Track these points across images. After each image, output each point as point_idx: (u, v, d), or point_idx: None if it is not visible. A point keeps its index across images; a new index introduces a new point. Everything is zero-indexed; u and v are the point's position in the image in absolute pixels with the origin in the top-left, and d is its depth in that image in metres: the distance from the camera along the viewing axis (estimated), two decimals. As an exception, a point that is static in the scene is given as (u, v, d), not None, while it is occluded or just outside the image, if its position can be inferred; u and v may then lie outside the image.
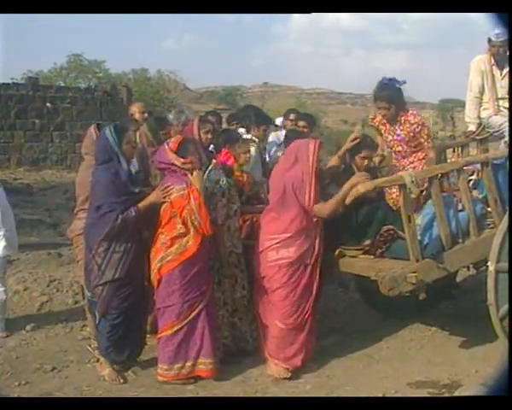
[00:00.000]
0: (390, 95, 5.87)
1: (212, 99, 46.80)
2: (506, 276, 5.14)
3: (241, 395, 5.06)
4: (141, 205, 5.27)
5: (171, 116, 6.75)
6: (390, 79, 6.00)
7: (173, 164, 5.29)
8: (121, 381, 5.36)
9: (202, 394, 5.09)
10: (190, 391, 5.15)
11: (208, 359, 5.28)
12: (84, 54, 29.70)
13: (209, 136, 6.10)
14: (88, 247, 5.34)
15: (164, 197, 5.27)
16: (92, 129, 5.89)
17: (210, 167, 5.59)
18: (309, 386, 5.26)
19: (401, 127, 5.86)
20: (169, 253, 5.21)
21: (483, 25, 7.18)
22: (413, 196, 5.11)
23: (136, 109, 7.09)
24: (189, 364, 5.27)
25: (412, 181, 5.04)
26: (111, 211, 5.17)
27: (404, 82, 6.02)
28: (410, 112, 5.97)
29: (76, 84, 24.97)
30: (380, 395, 4.89)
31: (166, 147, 5.36)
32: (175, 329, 5.24)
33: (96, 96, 19.49)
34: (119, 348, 5.41)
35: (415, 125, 5.81)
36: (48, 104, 18.28)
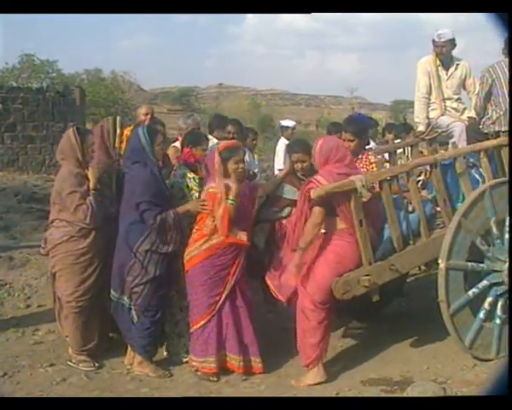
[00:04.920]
0: (357, 129, 5.99)
1: (167, 100, 46.58)
2: (456, 273, 5.27)
3: (196, 396, 5.05)
4: (179, 210, 5.49)
5: (180, 121, 6.79)
6: (360, 115, 6.29)
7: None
8: (168, 374, 5.53)
9: (157, 395, 5.07)
10: (145, 393, 5.14)
11: (234, 354, 5.48)
12: (36, 54, 29.22)
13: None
14: (128, 246, 5.42)
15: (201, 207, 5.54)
16: (71, 132, 5.74)
17: (177, 165, 5.95)
18: (263, 386, 5.29)
19: (361, 164, 5.91)
20: (194, 248, 5.47)
21: (436, 26, 7.38)
22: (364, 199, 5.15)
23: (140, 111, 7.12)
24: (217, 358, 5.46)
25: (363, 185, 5.10)
26: (149, 210, 5.34)
27: (376, 122, 6.31)
28: (371, 152, 6.15)
29: (28, 85, 24.49)
30: (334, 393, 4.90)
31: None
32: (203, 322, 5.46)
33: (48, 97, 19.12)
34: (155, 344, 5.62)
35: (373, 165, 5.88)
36: (-2, 105, 17.94)
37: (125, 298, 5.50)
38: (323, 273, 5.21)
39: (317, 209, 5.17)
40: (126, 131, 6.15)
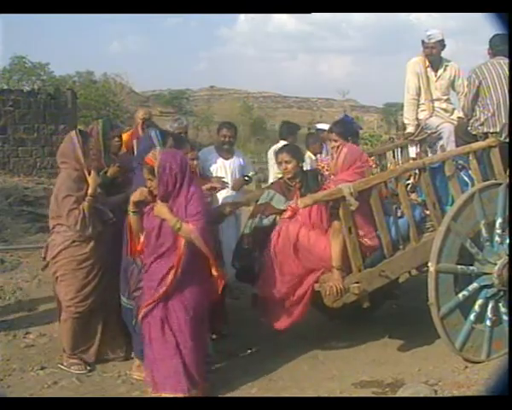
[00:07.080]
0: (341, 130, 5.99)
1: (159, 102, 46.44)
2: (446, 276, 5.29)
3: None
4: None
5: (167, 125, 6.80)
6: (347, 117, 6.27)
7: None
8: None
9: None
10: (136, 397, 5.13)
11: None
12: (27, 56, 29.17)
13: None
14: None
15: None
16: (74, 134, 5.62)
17: None
18: (255, 389, 5.27)
19: None
20: None
21: (427, 29, 7.39)
22: (352, 208, 5.12)
23: (138, 114, 7.10)
24: None
25: (351, 193, 5.08)
26: None
27: (361, 128, 6.28)
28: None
29: (19, 87, 24.43)
30: (325, 395, 4.91)
31: None
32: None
33: (39, 100, 19.05)
34: None
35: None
36: (-11, 107, 17.87)
37: (132, 302, 5.43)
38: (295, 264, 5.36)
39: (336, 225, 5.20)
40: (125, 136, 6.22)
